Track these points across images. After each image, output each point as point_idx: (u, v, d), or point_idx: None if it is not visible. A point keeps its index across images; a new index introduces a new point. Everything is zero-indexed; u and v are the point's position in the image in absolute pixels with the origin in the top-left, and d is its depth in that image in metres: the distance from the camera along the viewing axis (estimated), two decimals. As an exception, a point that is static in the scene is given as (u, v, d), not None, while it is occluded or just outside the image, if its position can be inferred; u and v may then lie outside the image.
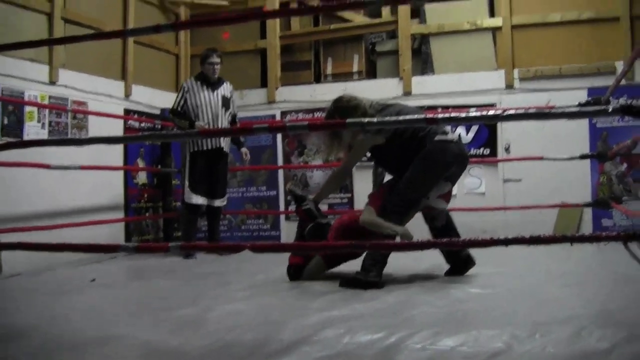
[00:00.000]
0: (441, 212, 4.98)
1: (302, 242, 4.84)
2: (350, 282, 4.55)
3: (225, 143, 7.35)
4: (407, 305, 3.73)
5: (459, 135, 4.71)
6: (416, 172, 4.64)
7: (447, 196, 4.96)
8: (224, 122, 7.35)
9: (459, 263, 4.97)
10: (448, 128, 4.75)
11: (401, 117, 3.08)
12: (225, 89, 7.47)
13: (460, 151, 4.77)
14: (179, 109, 7.23)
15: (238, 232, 9.01)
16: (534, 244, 2.98)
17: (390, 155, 4.83)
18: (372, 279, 4.51)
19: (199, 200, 7.18)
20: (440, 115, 2.92)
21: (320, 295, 4.19)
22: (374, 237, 4.55)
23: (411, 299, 3.91)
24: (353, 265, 4.75)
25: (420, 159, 4.62)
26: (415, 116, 3.09)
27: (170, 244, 3.27)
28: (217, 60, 7.34)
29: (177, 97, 7.32)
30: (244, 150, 7.58)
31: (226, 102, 7.42)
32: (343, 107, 4.85)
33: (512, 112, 2.82)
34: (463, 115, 2.81)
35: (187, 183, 7.20)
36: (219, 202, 7.41)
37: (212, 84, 7.34)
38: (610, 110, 2.78)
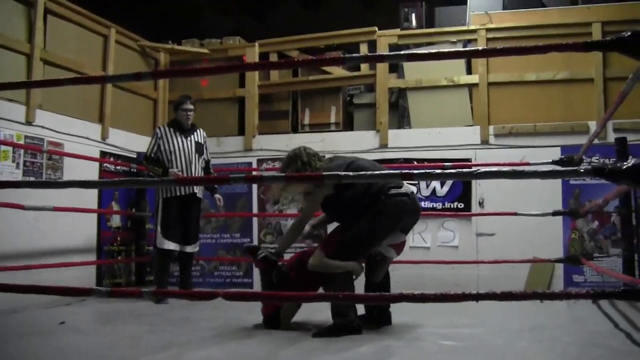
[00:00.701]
0: (383, 265, 5.03)
1: (271, 292, 4.85)
2: (329, 330, 4.55)
3: (198, 189, 7.33)
4: (377, 356, 3.74)
5: (412, 192, 4.79)
6: (371, 221, 4.71)
7: (400, 247, 5.03)
8: (197, 168, 7.35)
9: (379, 316, 5.06)
10: (402, 182, 4.86)
11: (377, 172, 3.11)
12: (199, 135, 7.48)
13: (414, 204, 4.89)
14: (152, 155, 7.22)
15: (211, 279, 8.97)
16: (506, 300, 3.01)
17: (342, 206, 4.92)
18: (352, 323, 4.54)
19: (170, 245, 7.11)
20: (415, 171, 2.97)
21: (291, 344, 4.19)
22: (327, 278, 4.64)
23: (382, 351, 3.92)
24: (316, 311, 4.76)
25: (376, 211, 4.70)
26: (392, 171, 3.12)
27: (143, 289, 3.27)
28: (191, 107, 7.37)
29: (150, 143, 7.29)
30: (217, 196, 7.57)
31: (199, 148, 7.42)
32: (287, 158, 5.14)
33: (485, 169, 2.86)
34: (437, 171, 2.86)
35: (159, 229, 7.14)
36: (190, 249, 7.36)
37: (185, 131, 7.35)
38: (582, 170, 2.84)
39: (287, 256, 5.32)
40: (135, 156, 8.52)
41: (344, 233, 4.87)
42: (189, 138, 7.34)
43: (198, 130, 7.50)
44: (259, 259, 5.01)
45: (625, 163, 2.72)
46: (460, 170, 3.20)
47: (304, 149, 5.10)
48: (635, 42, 2.83)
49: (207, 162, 7.60)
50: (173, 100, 8.24)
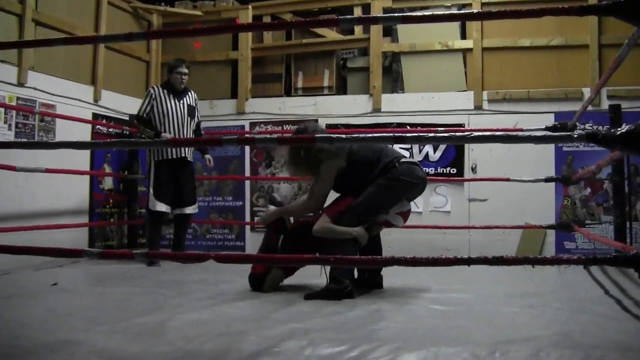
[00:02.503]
0: (378, 230, 5.04)
1: (266, 254, 4.85)
2: (320, 294, 4.56)
3: (189, 152, 7.36)
4: (368, 320, 3.75)
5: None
6: (382, 187, 4.70)
7: (406, 215, 5.01)
8: (189, 131, 7.37)
9: (371, 280, 5.10)
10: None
11: (369, 135, 3.09)
12: (190, 97, 7.49)
13: (424, 174, 4.90)
14: (145, 115, 7.21)
15: (203, 242, 8.99)
16: (497, 264, 3.01)
17: (352, 181, 4.87)
18: (346, 289, 4.55)
19: (162, 207, 7.14)
20: (408, 134, 2.95)
21: (282, 307, 4.20)
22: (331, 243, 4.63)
23: (373, 314, 3.93)
24: (312, 277, 4.78)
25: (388, 177, 4.68)
26: (385, 134, 3.11)
27: (134, 251, 3.26)
28: (186, 70, 7.37)
29: (143, 103, 7.27)
30: (207, 156, 7.58)
31: (191, 111, 7.44)
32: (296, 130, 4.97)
33: (479, 134, 2.85)
34: (431, 135, 2.84)
35: (151, 191, 7.17)
36: (190, 210, 7.43)
37: (178, 93, 7.36)
38: (575, 136, 2.83)
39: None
40: (127, 118, 8.47)
41: (352, 199, 4.84)
42: (181, 101, 7.34)
43: (190, 93, 7.50)
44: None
45: (619, 129, 2.71)
46: (453, 134, 3.21)
47: (316, 126, 5.02)
48: (631, 6, 2.80)
49: (198, 124, 7.60)
50: (166, 63, 8.23)
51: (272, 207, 5.13)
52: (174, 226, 7.61)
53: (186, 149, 7.30)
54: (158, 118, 7.20)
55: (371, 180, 4.74)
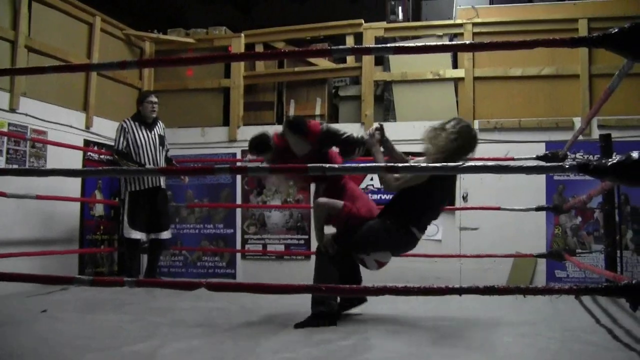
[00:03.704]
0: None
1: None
2: (309, 321, 4.57)
3: (162, 180, 7.62)
4: (358, 348, 3.74)
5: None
6: (386, 230, 4.70)
7: (382, 265, 5.00)
8: (161, 160, 7.62)
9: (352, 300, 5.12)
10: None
11: (362, 165, 3.10)
12: (160, 127, 7.74)
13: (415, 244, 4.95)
14: (124, 149, 7.40)
15: (193, 269, 8.95)
16: (488, 294, 3.02)
17: (408, 194, 4.71)
18: (332, 310, 4.56)
19: (137, 235, 7.37)
20: (400, 165, 2.96)
21: (273, 335, 4.19)
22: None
23: (363, 343, 3.92)
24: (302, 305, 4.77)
25: (399, 226, 4.71)
26: (375, 164, 3.11)
27: (125, 279, 3.25)
28: (155, 99, 7.62)
29: (117, 137, 7.47)
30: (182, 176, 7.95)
31: (162, 141, 7.69)
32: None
33: (472, 164, 2.87)
34: (423, 165, 2.86)
35: (126, 219, 7.39)
36: (165, 235, 7.66)
37: (149, 124, 7.58)
38: (567, 166, 2.84)
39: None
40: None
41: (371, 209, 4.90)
42: (152, 131, 7.59)
43: (159, 123, 7.76)
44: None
45: (610, 160, 2.72)
46: (445, 164, 3.21)
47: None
48: (621, 38, 2.83)
49: (167, 151, 7.84)
50: (158, 90, 8.32)
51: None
52: (148, 251, 7.74)
53: (161, 177, 7.56)
54: (133, 149, 7.41)
55: (394, 213, 4.77)
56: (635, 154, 2.64)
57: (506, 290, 3.08)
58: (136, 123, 7.50)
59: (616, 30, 2.81)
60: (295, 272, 8.29)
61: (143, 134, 7.46)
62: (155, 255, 7.73)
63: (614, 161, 2.71)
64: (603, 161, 2.75)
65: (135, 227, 7.35)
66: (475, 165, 2.89)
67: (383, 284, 3.25)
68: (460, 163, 2.95)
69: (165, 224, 7.68)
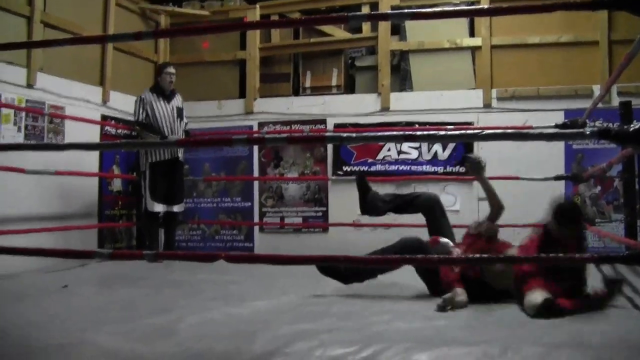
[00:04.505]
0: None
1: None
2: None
3: (181, 152, 7.68)
4: (378, 320, 3.73)
5: None
6: None
7: None
8: (179, 132, 7.69)
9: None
10: None
11: (379, 134, 3.06)
12: (178, 100, 7.80)
13: None
14: (144, 120, 7.48)
15: (212, 243, 8.95)
16: (510, 262, 2.99)
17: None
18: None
19: (159, 207, 7.49)
20: (419, 133, 2.93)
21: (291, 307, 4.19)
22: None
23: (382, 315, 3.91)
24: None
25: None
26: (395, 133, 3.08)
27: (144, 251, 3.25)
28: (173, 71, 7.68)
29: (137, 109, 7.55)
30: None
31: (180, 113, 7.76)
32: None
33: (492, 131, 2.83)
34: (442, 133, 2.82)
35: (148, 193, 7.48)
36: (177, 208, 7.74)
37: (167, 96, 7.65)
38: (587, 133, 2.80)
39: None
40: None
41: None
42: (170, 103, 7.66)
43: (177, 95, 7.82)
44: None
45: (632, 126, 2.68)
46: (464, 131, 3.17)
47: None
48: (643, 1, 2.78)
49: (186, 124, 7.91)
50: (174, 63, 8.30)
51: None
52: (164, 225, 7.82)
53: (179, 149, 7.62)
54: (152, 121, 7.48)
55: None
56: (656, 120, 2.60)
57: (527, 259, 3.05)
58: (154, 94, 7.56)
59: (637, -8, 2.75)
60: (314, 245, 8.28)
61: (162, 105, 7.52)
62: (171, 229, 7.80)
63: (636, 127, 2.67)
64: (624, 127, 2.71)
65: (156, 199, 7.45)
66: (496, 132, 2.85)
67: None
68: (478, 130, 2.91)
69: (180, 197, 7.75)
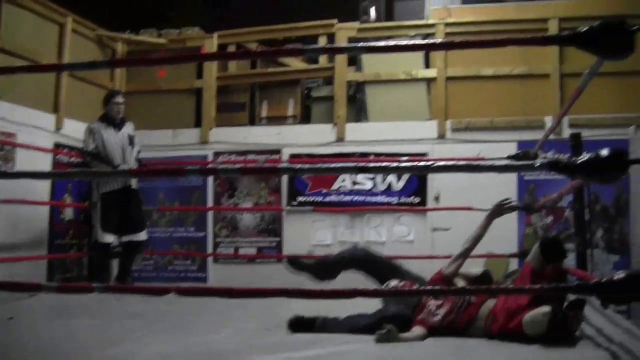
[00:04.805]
0: None
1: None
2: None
3: (134, 180, 7.53)
4: (335, 352, 3.71)
5: None
6: None
7: None
8: (131, 160, 7.56)
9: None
10: None
11: (333, 166, 3.07)
12: (129, 127, 7.70)
13: None
14: (93, 150, 7.38)
15: (165, 273, 8.85)
16: (462, 294, 3.01)
17: None
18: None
19: (109, 238, 7.34)
20: (371, 165, 2.94)
21: (247, 339, 4.15)
22: None
23: (340, 347, 3.88)
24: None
25: None
26: (348, 164, 3.09)
27: (94, 284, 3.21)
28: (122, 100, 7.62)
29: (86, 139, 7.45)
30: None
31: (132, 141, 7.64)
32: None
33: (443, 163, 2.85)
34: (394, 165, 2.83)
35: (99, 224, 7.34)
36: (143, 235, 7.60)
37: (117, 125, 7.55)
38: (537, 165, 2.84)
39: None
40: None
41: None
42: (121, 131, 7.55)
43: (128, 123, 7.72)
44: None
45: (579, 158, 2.72)
46: (416, 163, 3.19)
47: None
48: (591, 36, 2.83)
49: (138, 152, 7.77)
50: (130, 91, 8.34)
51: None
52: (122, 254, 7.68)
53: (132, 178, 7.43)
54: (102, 151, 7.37)
55: None
56: (604, 152, 2.64)
57: (479, 290, 3.07)
58: (104, 124, 7.48)
59: (586, 28, 2.80)
60: (268, 276, 8.23)
61: (111, 134, 7.44)
62: (130, 258, 7.68)
63: (584, 159, 2.71)
64: (573, 159, 2.75)
65: (108, 229, 7.30)
66: (447, 165, 2.87)
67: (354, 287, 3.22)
68: (430, 163, 2.93)
69: (140, 225, 7.62)
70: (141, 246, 7.73)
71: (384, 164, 3.11)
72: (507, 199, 5.00)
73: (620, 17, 2.70)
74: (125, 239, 7.47)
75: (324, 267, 5.04)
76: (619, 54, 2.76)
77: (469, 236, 5.07)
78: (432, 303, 4.45)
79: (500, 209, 4.96)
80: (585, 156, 2.72)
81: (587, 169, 2.71)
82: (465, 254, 4.94)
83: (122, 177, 7.21)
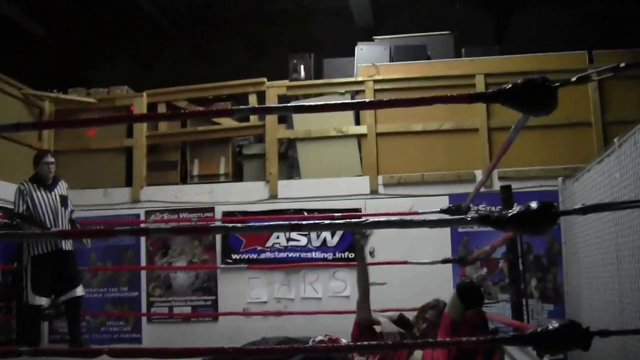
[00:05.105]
0: None
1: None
2: None
3: (66, 242, 7.27)
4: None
5: None
6: None
7: None
8: (64, 222, 7.30)
9: None
10: None
11: (266, 224, 3.05)
12: (61, 187, 7.44)
13: None
14: (25, 212, 7.12)
15: (97, 335, 8.66)
16: (400, 349, 3.00)
17: None
18: None
19: (42, 301, 7.04)
20: (304, 222, 2.93)
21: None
22: None
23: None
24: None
25: None
26: (281, 222, 3.08)
27: (22, 348, 3.10)
28: (52, 159, 7.37)
29: (17, 200, 7.18)
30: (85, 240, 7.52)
31: (64, 201, 7.38)
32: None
33: (374, 219, 2.86)
34: (327, 222, 2.83)
35: (29, 285, 7.04)
36: (80, 291, 7.31)
37: (48, 185, 7.31)
38: (469, 219, 2.87)
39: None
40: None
41: None
42: (53, 192, 7.30)
43: (60, 183, 7.48)
44: None
45: (510, 211, 2.75)
46: (349, 220, 3.19)
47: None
48: (515, 93, 2.88)
49: (71, 212, 7.53)
50: (59, 150, 8.21)
51: None
52: (66, 316, 7.44)
53: (64, 240, 7.22)
54: (33, 212, 7.12)
55: None
56: (533, 204, 2.68)
57: (416, 345, 3.06)
58: (35, 185, 7.24)
59: (510, 85, 2.86)
60: (204, 334, 8.13)
61: (42, 195, 7.18)
62: (76, 316, 7.39)
63: (514, 212, 2.74)
64: (503, 212, 2.78)
65: (39, 292, 7.01)
66: (379, 221, 2.88)
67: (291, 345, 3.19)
68: (363, 219, 2.93)
69: (76, 281, 7.33)
70: (81, 301, 7.42)
71: (317, 221, 3.11)
72: (362, 231, 4.96)
73: (542, 73, 2.76)
74: (63, 298, 7.19)
75: None
76: (543, 110, 2.81)
77: (357, 279, 5.01)
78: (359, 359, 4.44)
79: (361, 240, 4.89)
80: (515, 209, 2.75)
81: (517, 221, 2.74)
82: (364, 295, 4.88)
83: (52, 238, 6.97)
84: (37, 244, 7.05)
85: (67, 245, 7.30)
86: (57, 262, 7.15)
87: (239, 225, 3.06)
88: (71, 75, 10.65)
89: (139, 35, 11.71)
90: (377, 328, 4.88)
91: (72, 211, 7.53)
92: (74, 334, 7.32)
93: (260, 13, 11.26)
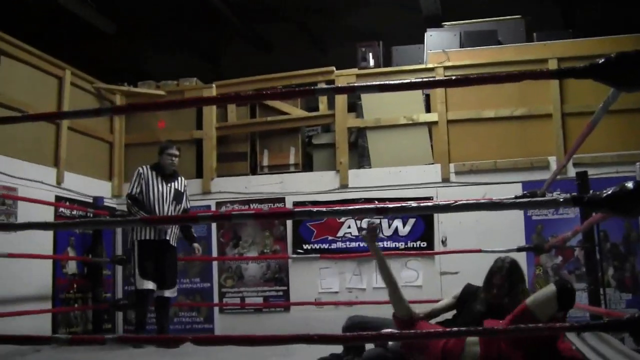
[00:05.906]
0: None
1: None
2: None
3: (171, 236, 7.28)
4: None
5: None
6: None
7: None
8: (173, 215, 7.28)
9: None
10: None
11: (352, 208, 3.00)
12: (180, 183, 7.48)
13: None
14: (137, 195, 7.19)
15: (170, 325, 8.71)
16: (485, 335, 2.93)
17: None
18: None
19: (149, 285, 7.06)
20: (391, 206, 2.86)
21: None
22: None
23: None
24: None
25: None
26: (366, 206, 3.02)
27: (106, 336, 3.12)
28: (177, 152, 7.42)
29: (133, 181, 7.28)
30: (195, 245, 7.52)
31: (178, 196, 7.41)
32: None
33: (463, 202, 2.79)
34: (413, 205, 2.78)
35: (137, 270, 7.09)
36: (168, 293, 7.30)
37: (167, 176, 7.35)
38: (562, 200, 2.78)
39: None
40: (91, 200, 8.31)
41: None
42: (169, 184, 7.34)
43: (180, 178, 7.52)
44: None
45: (604, 192, 2.67)
46: (437, 203, 3.13)
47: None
48: (608, 68, 2.79)
49: (185, 210, 7.53)
50: (130, 143, 8.28)
51: None
52: (154, 310, 7.46)
53: (168, 232, 7.24)
54: (144, 198, 7.18)
55: None
56: (630, 185, 2.59)
57: (500, 331, 2.99)
58: (153, 172, 7.31)
59: (603, 60, 2.77)
60: (274, 325, 8.13)
61: (158, 185, 7.25)
62: (160, 315, 7.37)
63: (609, 192, 2.66)
64: (597, 193, 2.70)
65: (147, 277, 7.06)
66: (468, 203, 2.81)
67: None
68: (452, 201, 2.86)
69: (171, 282, 7.33)
70: (167, 303, 7.41)
71: (402, 204, 3.04)
72: (370, 223, 4.86)
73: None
74: (155, 293, 7.22)
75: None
76: (637, 85, 2.73)
77: (379, 273, 5.00)
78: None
79: (370, 234, 4.77)
80: (609, 190, 2.67)
81: (612, 202, 2.66)
82: (391, 288, 4.80)
83: (140, 225, 6.97)
84: (143, 229, 7.10)
85: (173, 239, 7.33)
86: (159, 253, 7.19)
87: (324, 209, 3.02)
88: (140, 69, 10.79)
89: (204, 28, 11.76)
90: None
91: (186, 210, 7.55)
92: (161, 330, 7.32)
93: (323, 3, 11.20)
